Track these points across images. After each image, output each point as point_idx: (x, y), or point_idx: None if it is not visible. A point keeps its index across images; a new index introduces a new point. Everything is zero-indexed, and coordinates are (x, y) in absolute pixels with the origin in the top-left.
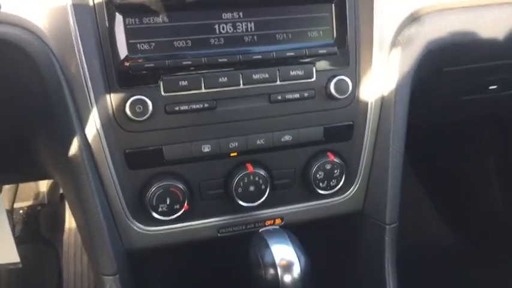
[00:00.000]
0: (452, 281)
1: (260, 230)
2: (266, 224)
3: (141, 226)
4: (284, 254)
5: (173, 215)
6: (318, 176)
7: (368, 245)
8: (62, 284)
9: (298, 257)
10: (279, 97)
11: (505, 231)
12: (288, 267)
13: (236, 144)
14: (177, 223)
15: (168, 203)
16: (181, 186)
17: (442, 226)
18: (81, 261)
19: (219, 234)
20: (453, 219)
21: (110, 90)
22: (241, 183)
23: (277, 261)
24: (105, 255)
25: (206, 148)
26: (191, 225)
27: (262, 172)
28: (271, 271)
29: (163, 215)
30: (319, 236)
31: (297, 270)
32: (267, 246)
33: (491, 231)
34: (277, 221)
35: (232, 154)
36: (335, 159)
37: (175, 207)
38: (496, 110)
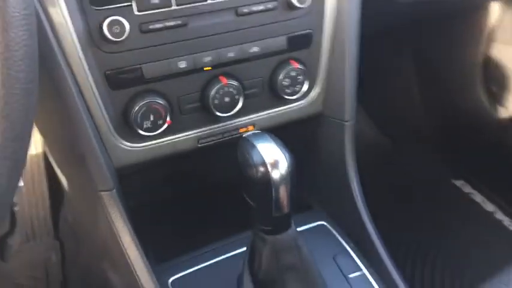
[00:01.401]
0: (378, 169)
1: (245, 135)
2: (240, 131)
3: (128, 143)
4: (271, 152)
5: (157, 130)
6: (283, 83)
7: (331, 143)
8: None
9: (283, 154)
10: (245, 10)
11: (420, 124)
12: (276, 164)
13: (209, 58)
14: (161, 138)
15: (151, 119)
16: (162, 103)
17: (367, 120)
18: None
19: (199, 145)
20: (376, 114)
21: (85, 11)
22: (217, 95)
23: (266, 160)
24: (100, 172)
25: (182, 64)
26: (174, 138)
27: (235, 83)
28: (261, 169)
29: (148, 131)
30: (287, 139)
31: (284, 166)
32: (254, 147)
33: (409, 125)
34: (250, 127)
35: (206, 68)
36: (298, 66)
37: (158, 122)
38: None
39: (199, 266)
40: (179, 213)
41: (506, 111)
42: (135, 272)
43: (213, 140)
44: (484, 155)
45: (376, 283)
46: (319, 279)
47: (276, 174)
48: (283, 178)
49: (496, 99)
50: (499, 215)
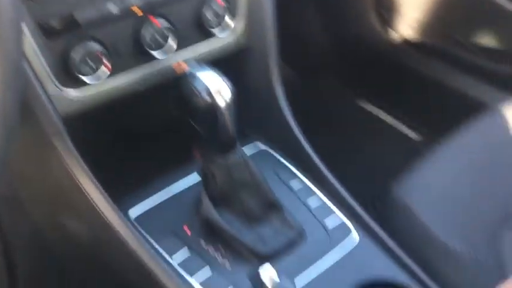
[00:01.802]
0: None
1: (187, 68)
2: (174, 70)
3: (70, 91)
4: (213, 81)
5: (97, 76)
6: (210, 19)
7: (259, 74)
8: None
9: (225, 82)
10: None
11: (323, 53)
12: (219, 91)
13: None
14: (102, 83)
15: (91, 65)
16: (100, 49)
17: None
18: None
19: (139, 88)
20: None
21: None
22: (150, 37)
23: (210, 88)
24: (49, 118)
25: (111, 5)
26: (115, 83)
27: (166, 24)
28: (207, 97)
29: (89, 78)
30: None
31: (227, 92)
32: (197, 78)
33: (313, 54)
34: (183, 65)
35: (137, 12)
36: (222, 2)
37: (98, 68)
38: None
39: (157, 198)
40: (129, 154)
41: (397, 34)
42: (101, 212)
43: (151, 81)
44: (383, 75)
45: (318, 189)
46: (269, 191)
47: (220, 100)
48: (227, 103)
49: (387, 23)
50: (401, 128)
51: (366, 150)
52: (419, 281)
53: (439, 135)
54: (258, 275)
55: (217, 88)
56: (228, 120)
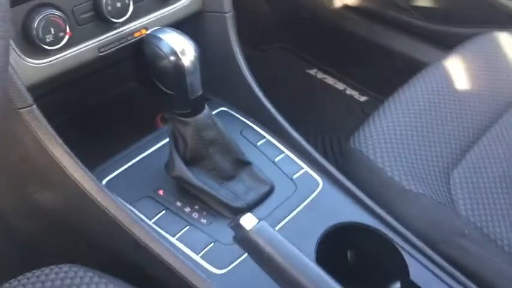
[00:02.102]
0: None
1: (148, 31)
2: (135, 36)
3: (33, 60)
4: (178, 42)
5: (59, 43)
6: None
7: (217, 36)
8: None
9: (189, 42)
10: None
11: (269, 26)
12: (184, 51)
13: None
14: (64, 51)
15: (52, 32)
16: (60, 15)
17: None
18: None
19: (100, 54)
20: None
21: None
22: (109, 1)
23: (176, 49)
24: (16, 89)
25: None
26: (76, 49)
27: None
28: (173, 58)
29: (51, 45)
30: None
31: (191, 51)
32: (162, 40)
33: (260, 27)
34: (143, 31)
35: None
36: None
37: (59, 35)
38: None
39: (128, 164)
40: (95, 124)
41: (339, 0)
42: (78, 182)
43: (112, 48)
44: (328, 42)
45: (280, 144)
46: (238, 148)
47: (186, 60)
48: (193, 63)
49: None
50: (349, 91)
51: (316, 112)
52: (384, 222)
53: (385, 95)
54: (239, 223)
55: (182, 48)
56: (196, 78)
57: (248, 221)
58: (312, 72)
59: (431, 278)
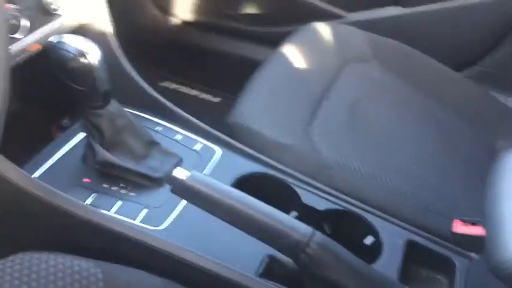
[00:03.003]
0: None
1: (49, 39)
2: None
3: None
4: (81, 44)
5: None
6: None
7: (102, 46)
8: None
9: (90, 42)
10: None
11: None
12: (89, 51)
13: None
14: None
15: None
16: None
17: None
18: None
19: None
20: None
21: None
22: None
23: (83, 50)
24: None
25: None
26: None
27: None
28: (82, 58)
29: None
30: None
31: (95, 50)
32: (67, 44)
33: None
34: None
35: None
36: None
37: None
38: None
39: (45, 166)
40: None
41: (177, 18)
42: (10, 180)
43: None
44: (176, 56)
45: (176, 126)
46: (145, 131)
47: (93, 59)
48: (99, 60)
49: (166, 11)
50: (203, 95)
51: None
52: (276, 169)
53: (235, 93)
54: (174, 176)
55: (87, 48)
56: (103, 74)
57: (181, 173)
58: (166, 84)
59: (318, 198)
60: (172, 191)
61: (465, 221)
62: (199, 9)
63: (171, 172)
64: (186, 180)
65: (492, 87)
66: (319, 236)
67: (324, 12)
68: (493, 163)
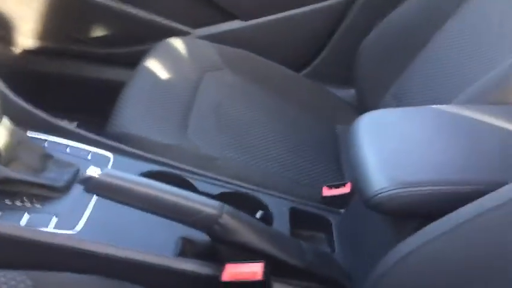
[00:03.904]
0: None
1: None
2: None
3: None
4: None
5: None
6: None
7: None
8: None
9: None
10: None
11: None
12: None
13: None
14: None
15: None
16: None
17: None
18: None
19: None
20: None
21: None
22: None
23: None
24: None
25: None
26: None
27: None
28: None
29: None
30: None
31: None
32: None
33: None
34: None
35: None
36: None
37: None
38: None
39: None
40: None
41: (20, 48)
42: None
43: None
44: (36, 87)
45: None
46: (39, 146)
47: None
48: None
49: (8, 42)
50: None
51: None
52: (170, 166)
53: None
54: (87, 175)
55: None
56: None
57: (94, 171)
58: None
59: (210, 186)
60: (87, 190)
61: (330, 186)
62: (46, 34)
63: (73, 180)
64: (100, 176)
65: (327, 82)
66: (227, 208)
67: (172, 30)
68: (346, 134)
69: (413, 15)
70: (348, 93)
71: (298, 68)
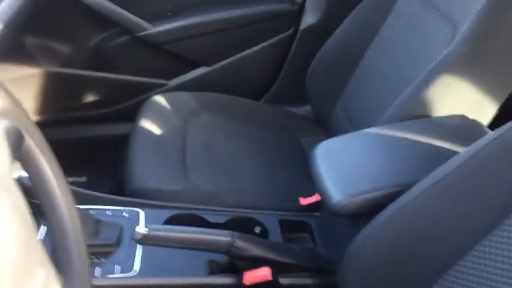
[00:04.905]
0: None
1: None
2: None
3: None
4: None
5: None
6: None
7: None
8: None
9: None
10: None
11: None
12: None
13: None
14: None
15: None
16: None
17: None
18: None
19: None
20: None
21: None
22: None
23: None
24: None
25: None
26: None
27: None
28: None
29: None
30: None
31: None
32: None
33: None
34: None
35: None
36: None
37: None
38: None
39: None
40: None
41: None
42: None
43: None
44: None
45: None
46: (90, 214)
47: None
48: None
49: None
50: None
51: None
52: (187, 209)
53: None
54: (138, 232)
55: None
56: None
57: (142, 229)
58: None
59: (217, 216)
60: (140, 243)
61: (305, 196)
62: (44, 109)
63: (120, 235)
64: (149, 231)
65: (285, 103)
66: (237, 234)
67: (151, 84)
68: (310, 152)
69: (347, 36)
70: (305, 110)
71: (259, 96)
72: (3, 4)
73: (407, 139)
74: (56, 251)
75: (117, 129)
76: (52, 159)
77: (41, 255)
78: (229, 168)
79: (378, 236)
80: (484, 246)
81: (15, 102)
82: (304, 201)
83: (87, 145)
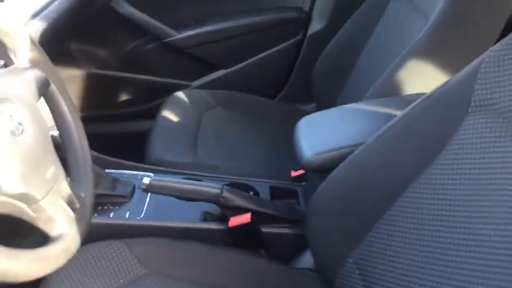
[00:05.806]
0: None
1: None
2: None
3: None
4: None
5: None
6: None
7: None
8: None
9: None
10: None
11: None
12: None
13: None
14: None
15: None
16: None
17: None
18: None
19: None
20: None
21: None
22: None
23: None
24: None
25: None
26: None
27: None
28: None
29: None
30: None
31: None
32: None
33: None
34: None
35: None
36: None
37: None
38: None
39: None
40: None
41: None
42: None
43: None
44: None
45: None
46: (109, 174)
47: None
48: None
49: None
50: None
51: None
52: (195, 175)
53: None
54: (144, 182)
55: None
56: None
57: (147, 179)
58: None
59: (216, 183)
60: (145, 190)
61: (296, 170)
62: (85, 106)
63: (133, 191)
64: (153, 180)
65: (297, 102)
66: (225, 187)
67: (177, 85)
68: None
69: (344, 40)
70: (312, 107)
71: (273, 95)
72: (54, 14)
73: (374, 112)
74: (67, 161)
75: (144, 125)
76: (69, 100)
77: (54, 157)
78: (233, 149)
79: (334, 182)
80: (418, 183)
81: (43, 54)
82: (295, 173)
83: (119, 139)
